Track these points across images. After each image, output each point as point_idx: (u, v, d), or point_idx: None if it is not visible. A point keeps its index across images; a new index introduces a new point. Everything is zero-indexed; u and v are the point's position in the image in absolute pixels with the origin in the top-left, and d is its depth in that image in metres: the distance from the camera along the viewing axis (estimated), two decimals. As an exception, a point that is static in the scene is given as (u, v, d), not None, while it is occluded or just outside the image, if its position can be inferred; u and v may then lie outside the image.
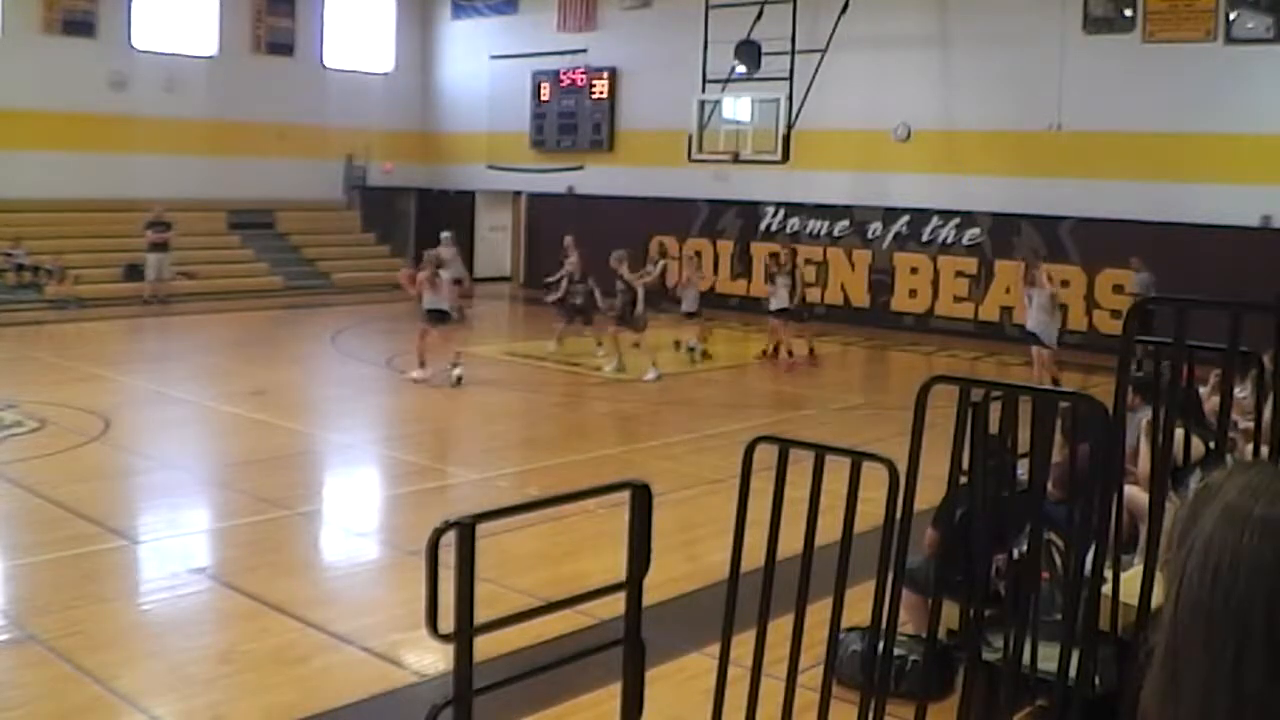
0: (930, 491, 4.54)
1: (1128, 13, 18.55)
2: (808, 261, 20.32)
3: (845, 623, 4.29)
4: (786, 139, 19.63)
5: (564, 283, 17.20)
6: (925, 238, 20.80)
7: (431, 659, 6.10)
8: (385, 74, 27.72)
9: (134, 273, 21.99)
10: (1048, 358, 14.75)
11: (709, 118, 20.54)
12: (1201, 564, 1.13)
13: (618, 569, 3.84)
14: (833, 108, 20.31)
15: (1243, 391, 6.55)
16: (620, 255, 16.01)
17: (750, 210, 22.83)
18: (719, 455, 10.99)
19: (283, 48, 25.83)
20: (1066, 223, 19.15)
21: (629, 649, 3.84)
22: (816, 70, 19.68)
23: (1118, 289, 18.21)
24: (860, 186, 21.33)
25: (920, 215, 20.79)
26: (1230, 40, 17.62)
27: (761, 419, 12.68)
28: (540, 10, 25.56)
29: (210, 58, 24.74)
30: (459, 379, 14.58)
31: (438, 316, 15.05)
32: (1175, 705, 1.15)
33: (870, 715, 4.17)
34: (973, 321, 20.05)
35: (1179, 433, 4.72)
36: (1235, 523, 1.12)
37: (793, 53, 19.64)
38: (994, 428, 4.26)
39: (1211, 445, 4.99)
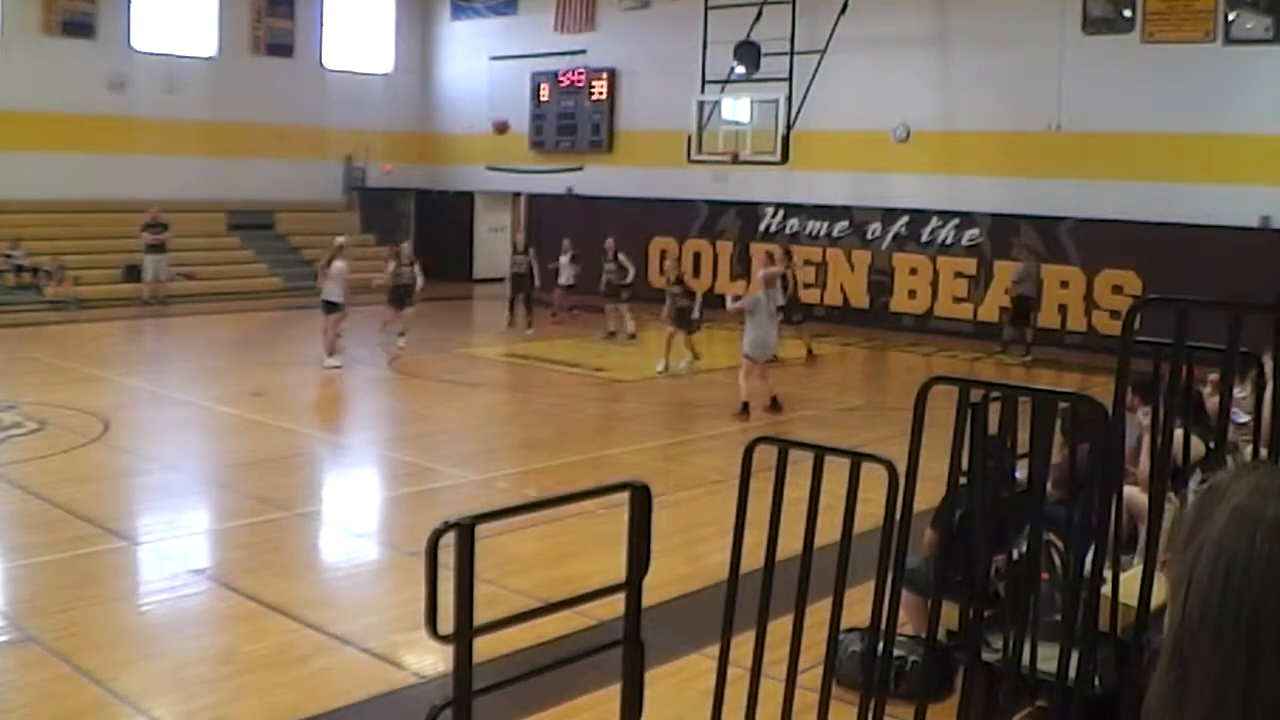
0: (930, 492, 4.53)
1: (1127, 13, 18.55)
2: (806, 262, 20.33)
3: (845, 623, 4.29)
4: (786, 140, 19.64)
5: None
6: (924, 238, 20.80)
7: (431, 660, 6.10)
8: (385, 75, 27.72)
9: (133, 274, 22.00)
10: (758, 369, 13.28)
11: (708, 118, 20.54)
12: (1211, 565, 1.13)
13: (617, 570, 3.84)
14: (832, 108, 20.31)
15: (1242, 392, 6.55)
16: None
17: (750, 211, 22.83)
18: (719, 456, 10.99)
19: (282, 48, 25.84)
20: (1066, 223, 19.15)
21: (629, 649, 3.84)
22: (816, 71, 19.68)
23: (1117, 289, 18.22)
24: (859, 187, 21.33)
25: (919, 216, 20.78)
26: (1229, 41, 17.62)
27: (761, 420, 12.67)
28: (539, 11, 25.56)
29: (209, 59, 24.75)
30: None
31: (328, 307, 15.99)
32: (1181, 706, 1.14)
33: (870, 716, 4.17)
34: (972, 322, 20.05)
35: (1179, 433, 4.71)
36: (1246, 524, 1.12)
37: (792, 53, 19.65)
38: (993, 428, 4.26)
39: (1211, 445, 4.99)
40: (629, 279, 19.46)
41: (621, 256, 19.68)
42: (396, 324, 17.28)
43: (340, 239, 17.46)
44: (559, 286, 20.91)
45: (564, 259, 20.90)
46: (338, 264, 16.12)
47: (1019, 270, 18.23)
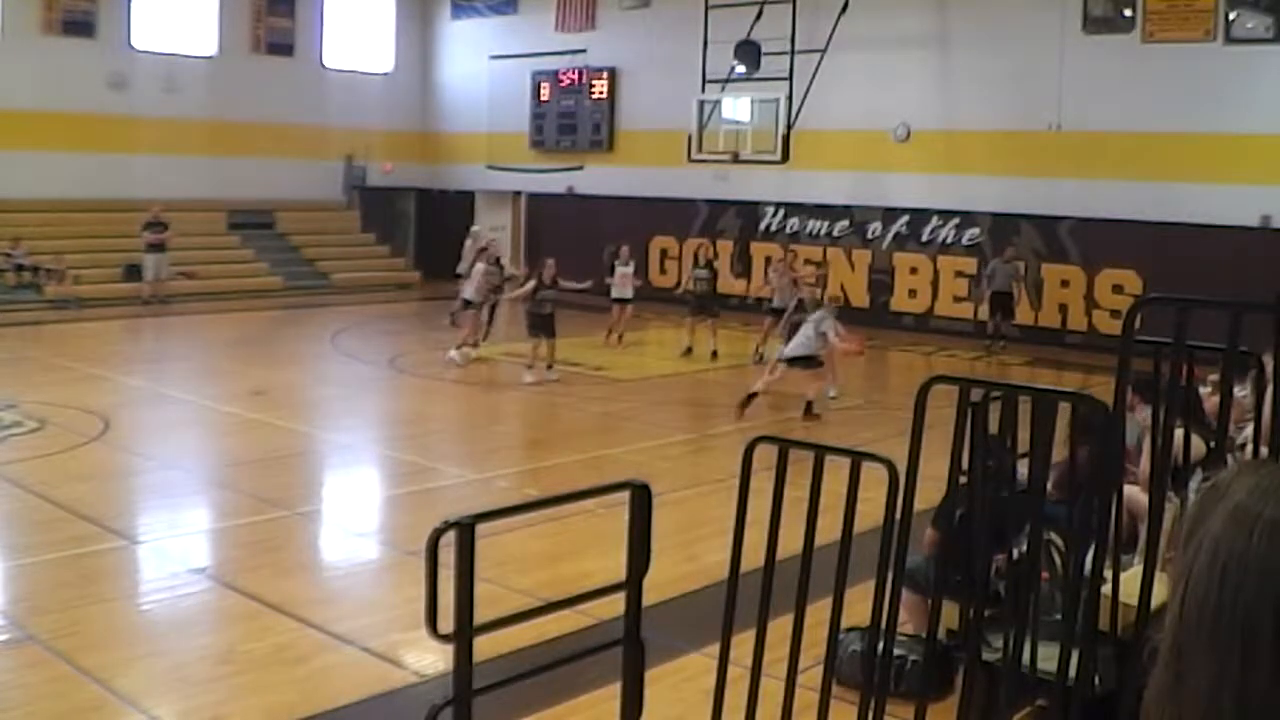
0: (930, 491, 4.53)
1: (1127, 13, 18.55)
2: (807, 261, 20.31)
3: (845, 623, 4.29)
4: (786, 139, 19.64)
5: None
6: (925, 238, 20.81)
7: (431, 659, 6.10)
8: (385, 74, 27.72)
9: (134, 273, 22.00)
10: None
11: (709, 118, 20.54)
12: (1209, 564, 1.13)
13: (618, 569, 3.84)
14: (832, 108, 20.31)
15: (1243, 391, 6.54)
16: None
17: (750, 210, 22.83)
18: (719, 455, 11.00)
19: (283, 48, 25.83)
20: (1066, 223, 19.16)
21: (629, 649, 3.84)
22: (816, 70, 19.68)
23: (1117, 289, 18.23)
24: (860, 186, 21.33)
25: (920, 215, 20.79)
26: (1230, 40, 17.62)
27: (761, 419, 12.67)
28: (540, 10, 25.56)
29: (210, 58, 24.74)
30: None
31: (465, 304, 16.53)
32: (1179, 705, 1.15)
33: (870, 715, 4.17)
34: (972, 321, 20.05)
35: (1179, 433, 4.71)
36: (1244, 524, 1.12)
37: (792, 53, 19.64)
38: (994, 428, 4.26)
39: (1212, 445, 4.99)
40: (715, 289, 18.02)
41: (716, 263, 18.93)
42: (540, 356, 15.25)
43: (479, 231, 18.49)
44: (615, 300, 18.46)
45: (621, 267, 18.56)
46: (479, 266, 16.64)
47: (1004, 270, 18.83)
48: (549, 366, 15.20)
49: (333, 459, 11.88)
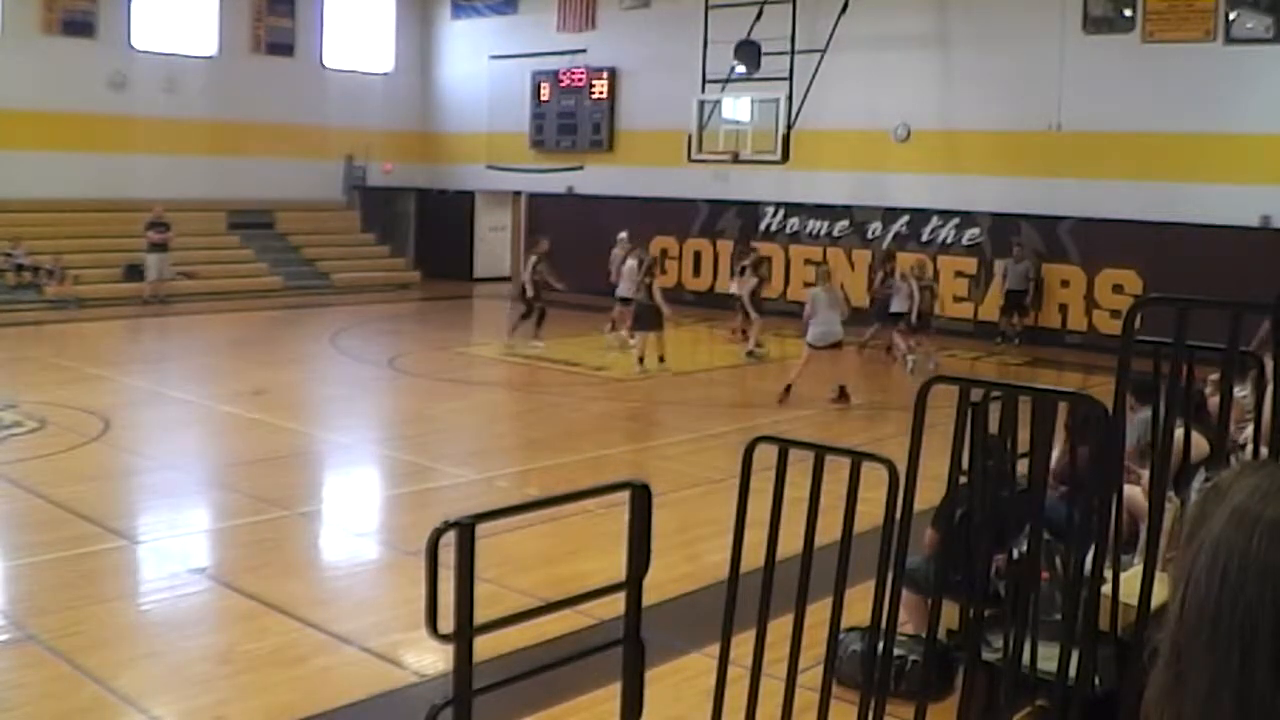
0: (930, 491, 4.53)
1: (1127, 13, 18.55)
2: (806, 261, 20.34)
3: (845, 623, 4.29)
4: (786, 139, 19.64)
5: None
6: (925, 238, 20.80)
7: (431, 659, 6.09)
8: (385, 74, 27.72)
9: (134, 273, 22.00)
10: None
11: (709, 118, 20.54)
12: (1209, 565, 1.13)
13: (618, 569, 3.84)
14: (832, 108, 20.31)
15: (1243, 391, 6.54)
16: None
17: (750, 210, 22.82)
18: (719, 455, 10.99)
19: (283, 48, 25.83)
20: (1066, 223, 19.16)
21: (629, 649, 3.84)
22: (816, 70, 19.68)
23: (1117, 289, 18.22)
24: (860, 186, 21.33)
25: (920, 215, 20.79)
26: (1230, 40, 17.61)
27: (761, 419, 12.67)
28: (540, 10, 25.56)
29: (210, 58, 24.74)
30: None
31: (621, 301, 16.81)
32: (1179, 706, 1.15)
33: (870, 715, 4.17)
34: (972, 321, 20.05)
35: (1179, 432, 4.71)
36: (1244, 525, 1.12)
37: (792, 53, 19.65)
38: (994, 428, 4.26)
39: (1214, 445, 4.99)
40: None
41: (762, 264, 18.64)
42: (645, 346, 15.70)
43: (623, 235, 18.88)
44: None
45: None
46: (630, 263, 16.90)
47: (1016, 270, 19.18)
48: (660, 359, 15.42)
49: (333, 459, 11.88)
